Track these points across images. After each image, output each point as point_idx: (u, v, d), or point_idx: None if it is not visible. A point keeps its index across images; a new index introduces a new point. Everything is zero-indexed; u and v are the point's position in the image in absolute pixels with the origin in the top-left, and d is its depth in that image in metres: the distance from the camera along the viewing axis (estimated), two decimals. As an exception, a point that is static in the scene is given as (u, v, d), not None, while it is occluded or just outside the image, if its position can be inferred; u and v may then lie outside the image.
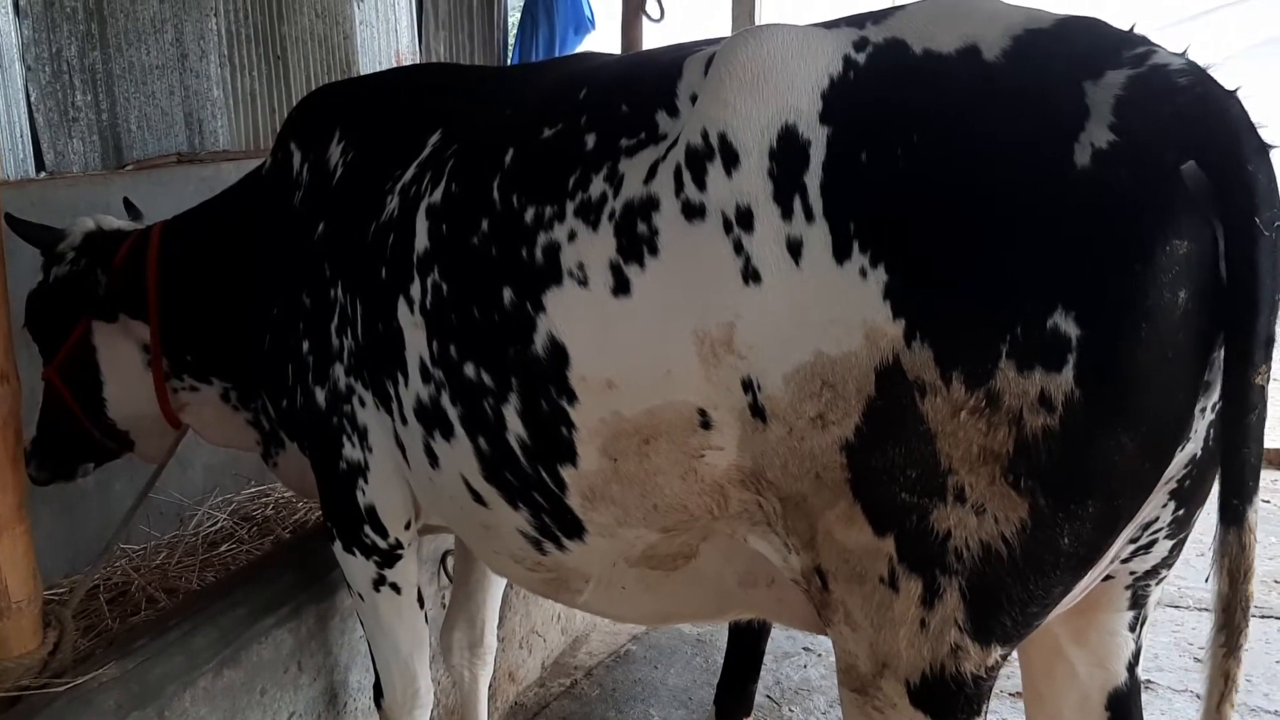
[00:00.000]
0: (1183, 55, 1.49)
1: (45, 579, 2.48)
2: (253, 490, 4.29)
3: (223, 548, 3.70)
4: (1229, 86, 1.45)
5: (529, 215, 1.89)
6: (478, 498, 2.12)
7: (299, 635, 2.81)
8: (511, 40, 8.35)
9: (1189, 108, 1.41)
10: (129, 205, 3.28)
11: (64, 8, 4.52)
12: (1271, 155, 1.42)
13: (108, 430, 2.99)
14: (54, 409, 2.98)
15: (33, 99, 4.53)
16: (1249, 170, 1.38)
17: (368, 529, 2.47)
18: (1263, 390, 1.42)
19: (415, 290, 2.09)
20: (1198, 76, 1.44)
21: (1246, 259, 1.38)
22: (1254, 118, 1.43)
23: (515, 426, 1.96)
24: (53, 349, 2.93)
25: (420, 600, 2.63)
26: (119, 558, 3.57)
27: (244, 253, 2.72)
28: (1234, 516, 1.45)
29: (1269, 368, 1.42)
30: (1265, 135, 1.42)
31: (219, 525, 3.91)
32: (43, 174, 4.53)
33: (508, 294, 1.90)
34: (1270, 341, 1.40)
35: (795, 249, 1.57)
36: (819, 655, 4.07)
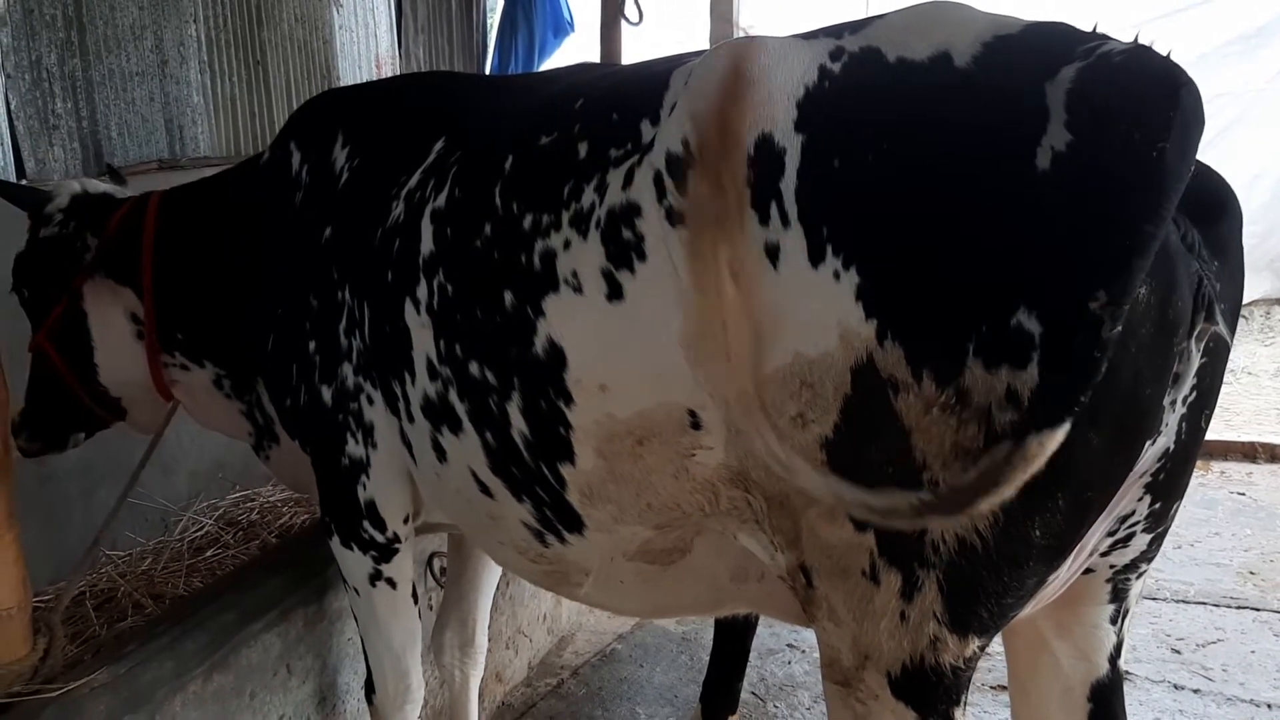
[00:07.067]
0: (1131, 42, 1.49)
1: (32, 586, 2.49)
2: (238, 495, 4.28)
3: (209, 553, 3.69)
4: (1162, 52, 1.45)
5: (527, 222, 1.93)
6: (484, 489, 2.16)
7: (287, 638, 2.83)
8: (491, 44, 8.36)
9: (1127, 80, 1.42)
10: (112, 171, 3.23)
11: (43, 15, 4.51)
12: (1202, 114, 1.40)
13: (99, 397, 2.96)
14: (44, 377, 2.94)
15: (12, 107, 4.52)
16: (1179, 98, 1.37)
17: (367, 524, 2.50)
18: None
19: (422, 291, 2.13)
20: (1133, 52, 1.45)
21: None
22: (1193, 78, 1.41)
23: (518, 423, 2.00)
24: (42, 314, 2.90)
25: (415, 596, 2.66)
26: (105, 564, 3.57)
27: (241, 243, 2.73)
28: None
29: None
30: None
31: (204, 530, 3.89)
32: (23, 182, 4.52)
33: (509, 297, 1.95)
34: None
35: (773, 253, 1.60)
36: (803, 651, 4.11)
